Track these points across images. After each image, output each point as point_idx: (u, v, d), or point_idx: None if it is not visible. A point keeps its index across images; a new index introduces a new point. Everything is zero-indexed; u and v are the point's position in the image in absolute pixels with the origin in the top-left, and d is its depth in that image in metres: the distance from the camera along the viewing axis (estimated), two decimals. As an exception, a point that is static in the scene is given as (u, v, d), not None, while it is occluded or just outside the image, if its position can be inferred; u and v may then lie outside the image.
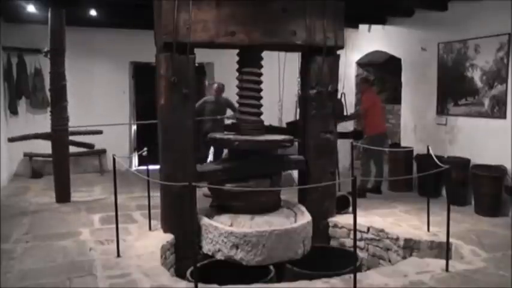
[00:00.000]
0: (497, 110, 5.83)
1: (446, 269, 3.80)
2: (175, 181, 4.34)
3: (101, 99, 8.49)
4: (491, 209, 5.56)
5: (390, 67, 8.51)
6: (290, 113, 7.75)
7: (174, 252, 4.54)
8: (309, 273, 3.99)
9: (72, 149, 6.60)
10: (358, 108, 6.83)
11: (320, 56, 5.03)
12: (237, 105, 6.88)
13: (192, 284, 3.38)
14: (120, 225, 4.29)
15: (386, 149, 7.35)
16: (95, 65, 8.51)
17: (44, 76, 8.04)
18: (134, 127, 9.16)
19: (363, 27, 8.39)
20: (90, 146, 8.41)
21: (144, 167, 5.14)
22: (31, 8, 6.40)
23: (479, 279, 3.67)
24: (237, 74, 5.08)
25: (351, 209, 5.28)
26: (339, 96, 5.93)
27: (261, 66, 5.05)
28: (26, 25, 7.53)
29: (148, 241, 4.46)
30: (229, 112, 7.69)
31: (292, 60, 6.63)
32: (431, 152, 4.74)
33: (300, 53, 5.49)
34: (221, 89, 7.58)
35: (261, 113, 5.11)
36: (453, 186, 5.77)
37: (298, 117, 7.07)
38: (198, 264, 3.83)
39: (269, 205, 4.87)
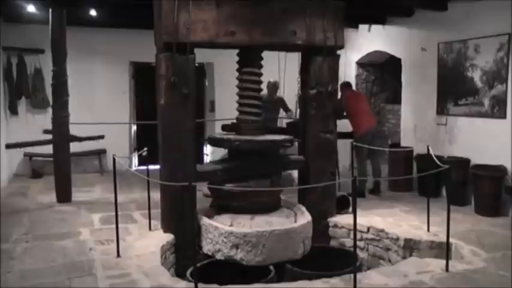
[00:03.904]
0: (497, 110, 5.83)
1: (446, 269, 3.80)
2: (175, 181, 4.34)
3: (101, 99, 8.48)
4: (491, 209, 5.56)
5: (390, 67, 8.51)
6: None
7: (174, 252, 4.54)
8: (309, 273, 4.00)
9: (73, 148, 6.58)
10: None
11: (320, 56, 5.03)
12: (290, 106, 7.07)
13: (192, 284, 3.38)
14: (120, 225, 4.29)
15: (387, 149, 7.35)
16: (95, 65, 8.49)
17: (44, 76, 8.04)
18: (134, 127, 9.15)
19: (362, 27, 8.38)
20: (100, 137, 7.84)
21: (144, 167, 5.14)
22: (31, 8, 6.40)
23: (479, 279, 3.67)
24: (237, 74, 5.08)
25: (350, 209, 5.28)
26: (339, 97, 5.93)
27: (261, 66, 5.06)
28: (26, 25, 7.53)
29: (148, 241, 4.46)
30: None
31: (292, 60, 6.62)
32: (431, 152, 4.74)
33: (300, 53, 5.49)
34: (270, 87, 7.38)
35: (261, 113, 5.10)
36: (453, 186, 5.76)
37: (298, 117, 7.09)
38: (198, 264, 3.84)
39: (269, 205, 4.87)
